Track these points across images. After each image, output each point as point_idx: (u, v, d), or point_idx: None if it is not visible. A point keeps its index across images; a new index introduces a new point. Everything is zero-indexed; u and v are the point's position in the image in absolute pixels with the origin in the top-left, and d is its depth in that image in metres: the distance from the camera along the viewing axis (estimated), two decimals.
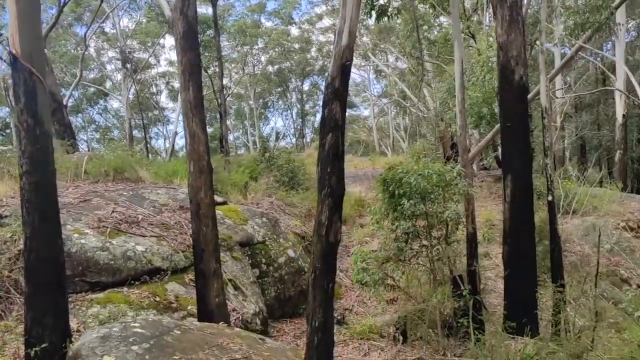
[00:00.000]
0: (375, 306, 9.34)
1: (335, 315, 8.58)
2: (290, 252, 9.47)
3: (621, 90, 17.65)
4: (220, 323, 5.80)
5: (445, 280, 8.43)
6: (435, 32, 20.16)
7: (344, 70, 4.25)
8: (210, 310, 6.14)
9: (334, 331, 7.93)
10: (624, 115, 19.34)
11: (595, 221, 11.96)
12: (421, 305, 7.81)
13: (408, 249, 7.82)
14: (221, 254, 6.92)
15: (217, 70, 18.03)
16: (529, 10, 13.00)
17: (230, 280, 7.76)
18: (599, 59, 22.63)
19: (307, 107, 44.93)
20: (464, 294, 7.28)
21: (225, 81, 22.20)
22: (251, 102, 40.12)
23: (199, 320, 6.10)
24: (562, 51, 17.76)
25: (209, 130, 40.12)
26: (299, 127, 46.39)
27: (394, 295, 9.10)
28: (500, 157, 12.33)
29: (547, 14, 13.84)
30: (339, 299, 9.73)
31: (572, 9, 11.63)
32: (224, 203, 9.98)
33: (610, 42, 22.49)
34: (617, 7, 11.27)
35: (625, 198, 14.31)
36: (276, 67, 39.65)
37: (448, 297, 7.99)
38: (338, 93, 4.23)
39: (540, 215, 10.23)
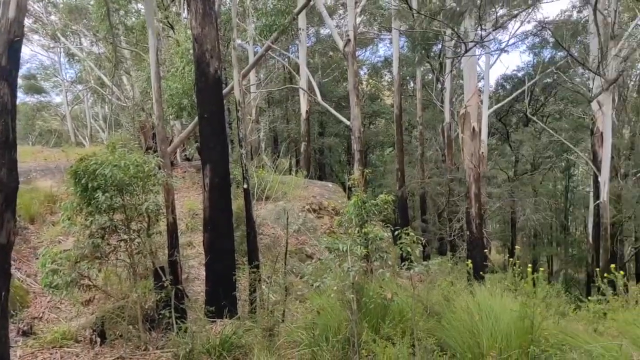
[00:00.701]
0: (70, 310, 8.55)
1: (21, 326, 7.57)
2: None
3: (304, 89, 19.94)
4: None
5: (148, 274, 8.25)
6: (134, 19, 19.36)
7: (12, 47, 3.68)
8: None
9: (19, 344, 7.03)
10: (307, 111, 22.04)
11: (285, 205, 13.31)
12: (121, 302, 7.47)
13: (105, 245, 7.36)
14: None
15: None
16: (223, 7, 13.61)
17: None
18: (286, 59, 25.16)
19: None
20: (165, 285, 7.23)
21: None
22: None
23: None
24: (255, 49, 19.13)
25: None
26: None
27: (91, 295, 8.49)
28: None
29: (240, 13, 14.72)
30: (25, 308, 8.59)
31: (261, 10, 12.58)
32: None
33: (295, 45, 25.21)
34: (298, 13, 12.69)
35: (308, 184, 16.36)
36: None
37: (150, 290, 7.84)
38: (5, 72, 3.65)
39: (238, 202, 10.88)
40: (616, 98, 18.81)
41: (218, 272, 8.32)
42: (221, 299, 7.87)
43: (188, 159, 18.80)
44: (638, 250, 22.65)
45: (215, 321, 7.52)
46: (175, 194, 9.99)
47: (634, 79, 24.34)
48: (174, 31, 16.36)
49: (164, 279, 7.41)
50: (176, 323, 6.96)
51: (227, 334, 6.46)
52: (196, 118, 11.09)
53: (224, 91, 9.96)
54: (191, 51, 12.75)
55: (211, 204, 8.47)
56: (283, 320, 7.40)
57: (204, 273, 8.90)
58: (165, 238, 8.40)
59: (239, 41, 19.82)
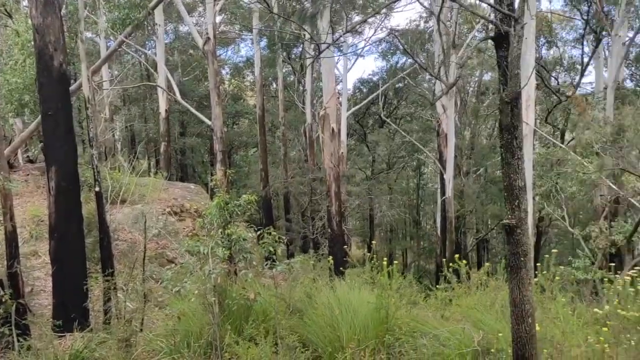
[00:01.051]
0: None
1: None
2: None
3: (162, 87, 19.20)
4: None
5: None
6: None
7: None
8: None
9: None
10: (166, 110, 21.24)
11: (143, 208, 12.69)
12: None
13: None
14: None
15: None
16: None
17: None
18: (143, 55, 23.99)
19: None
20: (4, 299, 6.53)
21: None
22: None
23: None
24: (108, 44, 17.99)
25: None
26: None
27: None
28: None
29: (90, 4, 13.74)
30: None
31: (112, 2, 11.85)
32: None
33: (153, 41, 24.16)
34: (153, 8, 12.12)
35: (169, 185, 15.79)
36: None
37: None
38: None
39: (90, 206, 10.16)
40: (458, 102, 20.70)
41: (67, 283, 7.72)
42: (71, 311, 7.31)
43: (31, 161, 17.14)
44: (479, 241, 25.12)
45: (64, 336, 6.97)
46: (16, 199, 9.07)
47: (472, 86, 26.94)
48: (12, 20, 14.81)
49: (1, 293, 6.69)
50: (18, 341, 6.32)
51: (77, 348, 6.02)
52: (40, 116, 10.17)
53: (72, 87, 9.26)
54: (32, 43, 11.68)
55: (57, 209, 7.83)
56: (141, 329, 7.05)
57: (52, 284, 8.19)
58: (4, 248, 7.61)
59: (88, 34, 18.52)
